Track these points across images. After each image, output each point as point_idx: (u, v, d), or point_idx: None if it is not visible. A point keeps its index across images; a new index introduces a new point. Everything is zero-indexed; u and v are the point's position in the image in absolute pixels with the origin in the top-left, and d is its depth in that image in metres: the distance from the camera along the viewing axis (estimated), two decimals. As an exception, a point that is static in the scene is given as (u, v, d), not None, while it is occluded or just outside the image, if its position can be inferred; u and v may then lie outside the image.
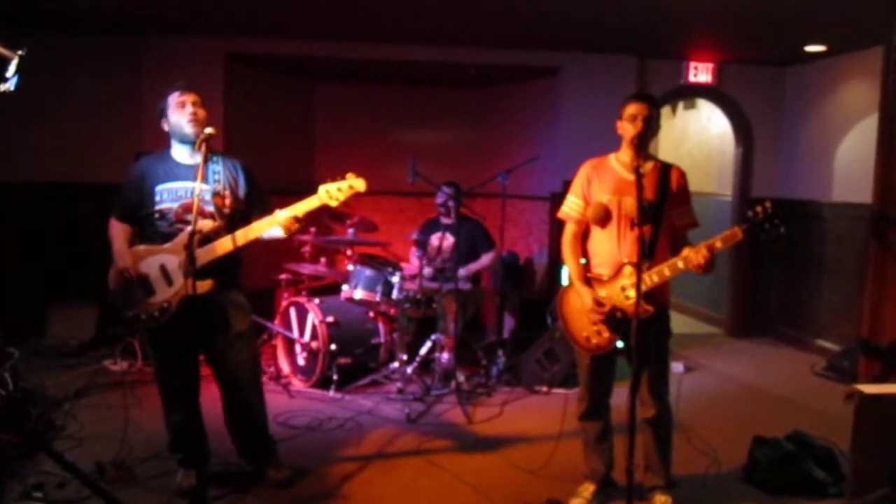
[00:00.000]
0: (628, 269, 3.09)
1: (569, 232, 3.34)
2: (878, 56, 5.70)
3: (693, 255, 2.96)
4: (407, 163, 5.15)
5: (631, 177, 3.07)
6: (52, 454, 3.01)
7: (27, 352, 5.05)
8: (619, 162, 3.25)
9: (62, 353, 5.60)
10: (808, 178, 6.73)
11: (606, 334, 3.15)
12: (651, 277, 3.02)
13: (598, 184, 3.24)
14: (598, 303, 3.13)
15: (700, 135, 8.18)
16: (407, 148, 6.97)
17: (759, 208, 2.91)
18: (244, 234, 3.21)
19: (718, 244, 2.94)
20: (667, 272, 3.02)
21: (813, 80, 6.68)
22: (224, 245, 3.20)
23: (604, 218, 3.18)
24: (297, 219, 3.20)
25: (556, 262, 6.33)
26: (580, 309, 3.22)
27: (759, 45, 6.19)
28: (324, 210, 3.40)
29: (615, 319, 3.11)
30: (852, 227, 6.07)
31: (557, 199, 6.36)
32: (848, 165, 6.22)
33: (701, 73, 6.77)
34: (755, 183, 7.08)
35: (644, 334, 2.89)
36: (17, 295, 5.53)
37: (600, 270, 3.23)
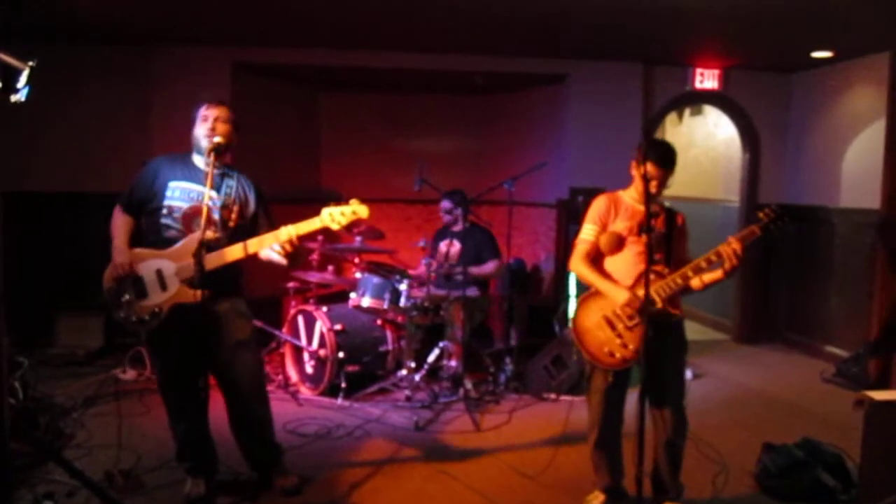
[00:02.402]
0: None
1: (579, 251, 3.36)
2: (885, 62, 5.74)
3: (724, 247, 3.07)
4: (413, 171, 5.16)
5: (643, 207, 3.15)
6: (61, 463, 3.02)
7: (35, 361, 5.04)
8: (630, 198, 3.36)
9: (70, 361, 5.62)
10: (815, 183, 6.72)
11: (632, 345, 3.16)
12: (675, 280, 3.12)
13: (615, 213, 3.34)
14: (632, 298, 3.14)
15: (707, 141, 8.16)
16: (413, 156, 6.94)
17: (763, 213, 3.09)
18: (252, 245, 3.23)
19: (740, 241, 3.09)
20: (690, 273, 3.11)
21: (820, 85, 6.67)
22: (233, 252, 3.22)
23: (615, 246, 3.27)
24: (292, 242, 3.23)
25: (563, 270, 6.31)
26: (598, 324, 3.24)
27: (765, 51, 6.18)
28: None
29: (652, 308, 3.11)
30: (860, 232, 6.03)
31: (564, 206, 6.39)
32: (855, 171, 6.19)
33: (707, 79, 6.77)
34: (762, 189, 7.05)
35: (660, 347, 2.95)
36: (26, 304, 5.52)
37: None
